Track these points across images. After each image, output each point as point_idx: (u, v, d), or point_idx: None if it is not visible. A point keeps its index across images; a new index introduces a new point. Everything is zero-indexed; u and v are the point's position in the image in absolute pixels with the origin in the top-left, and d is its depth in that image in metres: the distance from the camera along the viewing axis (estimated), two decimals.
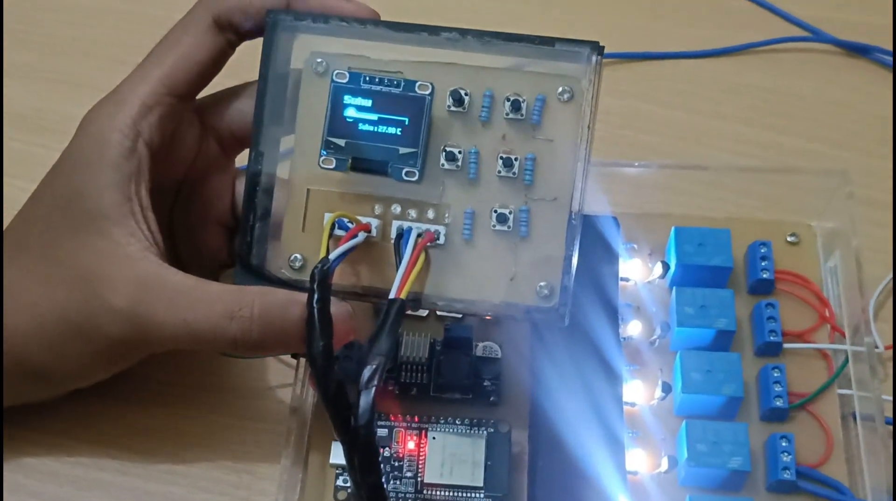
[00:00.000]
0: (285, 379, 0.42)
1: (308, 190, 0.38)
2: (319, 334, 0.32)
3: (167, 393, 0.42)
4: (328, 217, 0.36)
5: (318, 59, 0.37)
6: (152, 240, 0.37)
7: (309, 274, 0.33)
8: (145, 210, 0.37)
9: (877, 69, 0.54)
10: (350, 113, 0.36)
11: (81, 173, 0.37)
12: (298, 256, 0.37)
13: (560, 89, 0.36)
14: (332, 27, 0.37)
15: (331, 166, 0.36)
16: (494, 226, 0.36)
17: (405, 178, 0.36)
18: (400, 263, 0.35)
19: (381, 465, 0.36)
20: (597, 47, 0.36)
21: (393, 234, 0.37)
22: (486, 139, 0.36)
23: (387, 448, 0.38)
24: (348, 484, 0.38)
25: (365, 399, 0.31)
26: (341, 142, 0.36)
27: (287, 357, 0.43)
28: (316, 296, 0.32)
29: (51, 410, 0.41)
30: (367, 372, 0.31)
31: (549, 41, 0.36)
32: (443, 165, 0.36)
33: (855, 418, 0.40)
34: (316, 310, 0.32)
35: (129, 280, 0.36)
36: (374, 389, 0.31)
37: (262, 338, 0.36)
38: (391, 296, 0.34)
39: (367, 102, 0.36)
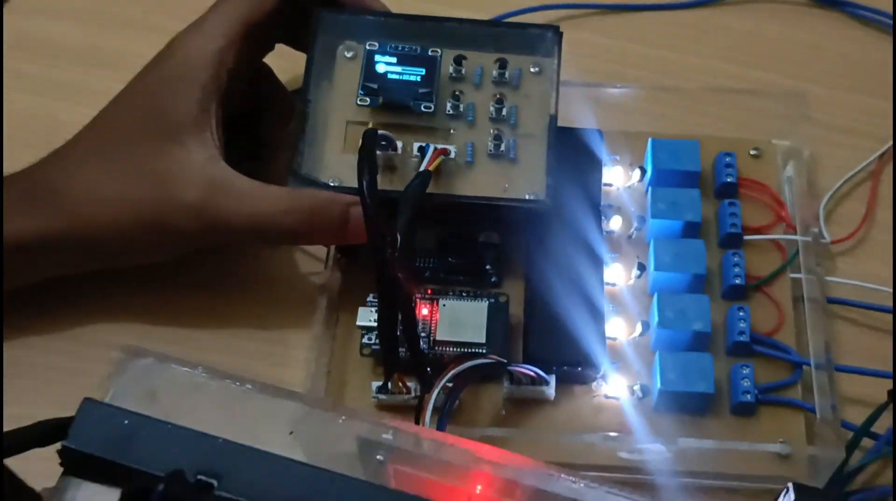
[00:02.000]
0: (315, 268, 0.50)
1: (347, 122, 0.46)
2: (367, 169, 0.41)
3: (212, 280, 0.49)
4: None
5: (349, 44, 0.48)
6: (220, 150, 0.45)
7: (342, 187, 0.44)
8: (217, 126, 0.45)
9: (846, 19, 0.60)
10: (380, 67, 0.46)
11: (169, 90, 0.45)
12: (337, 172, 0.45)
13: (531, 66, 0.47)
14: (362, 20, 0.48)
15: (366, 104, 0.45)
16: (490, 151, 0.45)
17: (423, 110, 0.45)
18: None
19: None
20: (557, 31, 0.47)
21: (415, 151, 0.45)
22: (480, 96, 0.46)
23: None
24: (372, 341, 0.45)
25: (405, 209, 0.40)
26: (374, 86, 0.46)
27: (316, 251, 0.50)
28: (367, 144, 0.42)
29: (109, 289, 0.48)
30: (408, 190, 0.41)
31: (523, 26, 0.48)
32: (448, 111, 0.46)
33: (802, 298, 0.47)
34: (367, 153, 0.41)
35: (201, 182, 0.43)
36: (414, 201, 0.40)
37: (310, 229, 0.44)
38: (420, 170, 0.43)
39: (393, 59, 0.46)
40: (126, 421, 0.30)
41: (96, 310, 0.48)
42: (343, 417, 0.32)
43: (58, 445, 0.30)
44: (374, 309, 0.44)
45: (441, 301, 0.45)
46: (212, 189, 0.43)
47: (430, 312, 0.45)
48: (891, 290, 0.47)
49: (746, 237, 0.48)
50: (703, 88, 0.55)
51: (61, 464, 0.30)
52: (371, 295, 0.45)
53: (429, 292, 0.46)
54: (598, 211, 0.48)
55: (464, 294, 0.46)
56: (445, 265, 0.47)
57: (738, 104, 0.53)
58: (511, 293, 0.47)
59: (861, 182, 0.52)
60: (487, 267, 0.48)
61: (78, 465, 0.30)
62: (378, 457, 0.32)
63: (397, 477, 0.32)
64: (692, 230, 0.48)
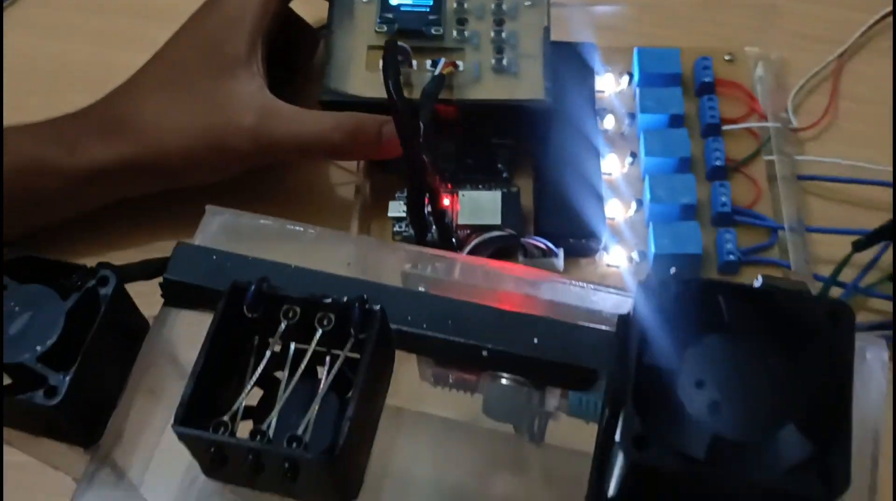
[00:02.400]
0: (349, 179, 0.56)
1: (367, 46, 0.53)
2: (391, 68, 0.47)
3: (264, 194, 0.56)
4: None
5: None
6: (265, 81, 0.52)
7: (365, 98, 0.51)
8: (262, 59, 0.52)
9: None
10: (394, 1, 0.53)
11: (224, 30, 0.52)
12: (360, 88, 0.52)
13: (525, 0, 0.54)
14: None
15: (383, 30, 0.53)
16: (494, 67, 0.52)
17: (433, 33, 0.53)
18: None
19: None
20: None
21: (429, 66, 0.52)
22: (482, 25, 0.54)
23: (427, 207, 0.52)
24: (402, 229, 0.51)
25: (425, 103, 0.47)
26: (390, 15, 0.53)
27: (347, 165, 0.57)
28: (389, 48, 0.48)
29: (175, 208, 0.55)
30: (426, 90, 0.48)
31: None
32: (455, 36, 0.53)
33: (776, 177, 0.53)
34: (390, 55, 0.48)
35: (254, 108, 0.50)
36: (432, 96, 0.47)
37: (352, 145, 0.50)
38: (435, 73, 0.50)
39: None
40: (213, 257, 0.37)
41: (164, 226, 0.54)
42: (392, 251, 0.39)
43: (159, 279, 0.37)
44: (402, 201, 0.51)
45: (461, 193, 0.52)
46: (264, 115, 0.50)
47: (451, 202, 0.52)
48: (855, 163, 0.53)
49: (724, 127, 0.54)
50: (683, 3, 0.61)
51: (162, 296, 0.37)
52: (398, 191, 0.52)
53: (449, 186, 0.53)
54: (593, 111, 0.55)
55: (480, 187, 0.53)
56: (463, 166, 0.54)
57: (714, 18, 0.59)
58: (521, 186, 0.53)
59: (824, 79, 0.58)
60: (499, 165, 0.54)
61: (175, 295, 0.37)
62: (420, 288, 0.39)
63: None
64: (677, 122, 0.54)
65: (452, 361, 0.36)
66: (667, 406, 0.23)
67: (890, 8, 0.60)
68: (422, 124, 0.47)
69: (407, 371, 0.38)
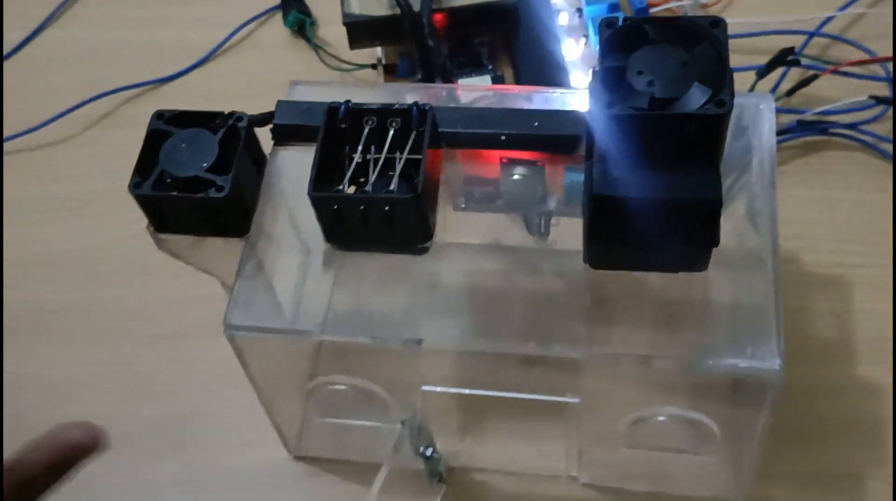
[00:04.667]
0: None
1: None
2: None
3: None
4: None
5: None
6: None
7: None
8: None
9: None
10: None
11: None
12: (370, 9, 0.67)
13: None
14: None
15: None
16: None
17: None
18: None
19: None
20: None
21: None
22: None
23: None
24: None
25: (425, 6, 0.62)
26: None
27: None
28: None
29: None
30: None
31: None
32: None
33: None
34: None
35: None
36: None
37: None
38: None
39: None
40: (304, 106, 0.53)
41: None
42: (425, 89, 0.55)
43: (269, 126, 0.52)
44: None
45: (458, 81, 0.68)
46: None
47: None
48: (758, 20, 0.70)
49: (651, 10, 0.71)
50: None
51: (272, 138, 0.53)
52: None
53: (449, 78, 0.69)
54: (551, 8, 0.71)
55: (473, 75, 0.69)
56: (456, 63, 0.70)
57: None
58: (504, 73, 0.70)
59: None
60: (484, 60, 0.70)
61: (281, 135, 0.52)
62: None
63: None
64: (614, 9, 0.71)
65: (481, 146, 0.51)
66: (622, 89, 0.40)
67: None
68: (425, 22, 0.63)
69: (440, 217, 0.52)
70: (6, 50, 0.78)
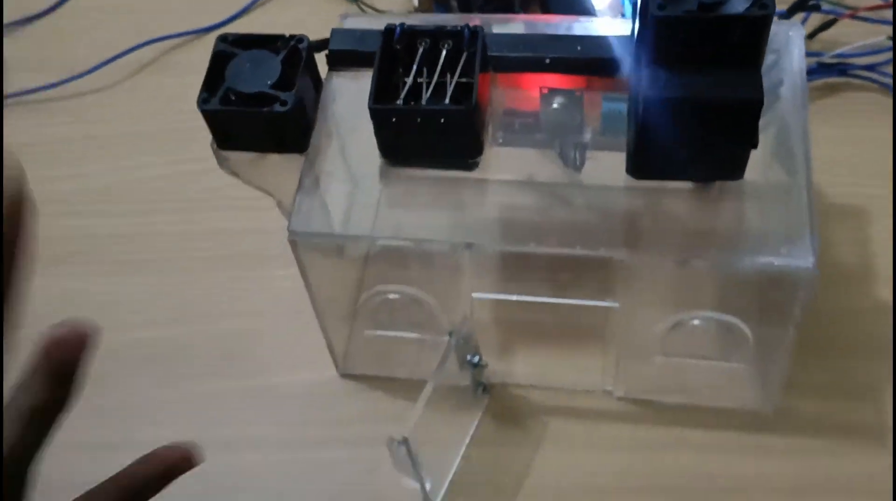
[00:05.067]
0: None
1: None
2: None
3: None
4: None
5: None
6: None
7: None
8: None
9: None
10: None
11: None
12: None
13: None
14: None
15: None
16: None
17: None
18: None
19: None
20: None
21: None
22: None
23: None
24: None
25: None
26: None
27: None
28: None
29: None
30: None
31: None
32: None
33: None
34: None
35: None
36: None
37: None
38: None
39: None
40: (357, 33, 0.56)
41: None
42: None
43: (325, 52, 0.55)
44: None
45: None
46: None
47: None
48: None
49: None
50: None
51: (328, 64, 0.56)
52: None
53: None
54: None
55: None
56: (488, 10, 0.73)
57: None
58: None
59: None
60: (516, 8, 0.74)
61: (336, 60, 0.55)
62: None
63: None
64: None
65: (526, 69, 0.54)
66: None
67: None
68: None
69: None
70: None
